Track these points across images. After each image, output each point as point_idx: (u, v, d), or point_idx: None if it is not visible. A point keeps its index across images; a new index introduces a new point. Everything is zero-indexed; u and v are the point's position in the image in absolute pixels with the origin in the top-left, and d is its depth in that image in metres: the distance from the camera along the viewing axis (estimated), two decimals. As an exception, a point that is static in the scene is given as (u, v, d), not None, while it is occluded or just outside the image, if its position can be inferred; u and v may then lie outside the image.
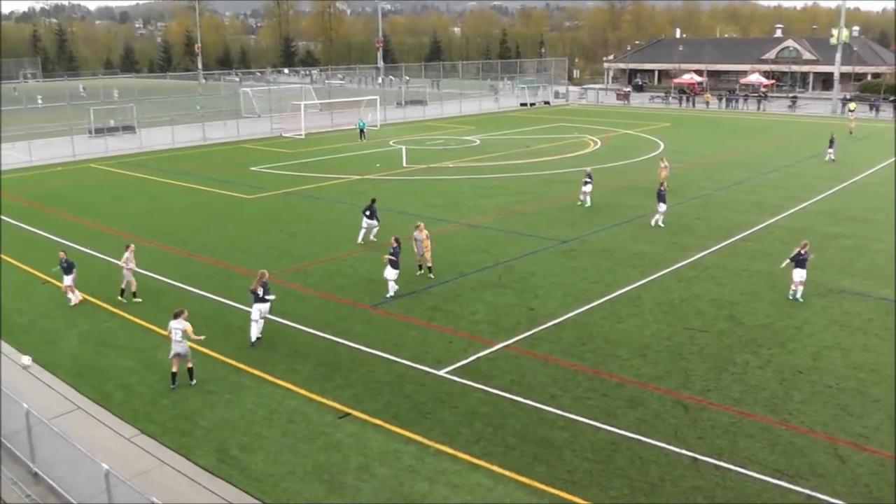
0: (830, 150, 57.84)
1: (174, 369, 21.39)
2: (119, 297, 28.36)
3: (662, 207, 37.54)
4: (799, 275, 27.65)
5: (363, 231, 35.60)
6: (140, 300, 28.16)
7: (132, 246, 28.71)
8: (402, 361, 22.67)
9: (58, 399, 20.71)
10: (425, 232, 29.94)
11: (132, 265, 28.33)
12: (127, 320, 26.31)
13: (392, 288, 27.99)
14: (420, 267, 30.63)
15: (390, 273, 27.81)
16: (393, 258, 27.61)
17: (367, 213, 35.39)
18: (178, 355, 21.28)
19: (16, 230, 38.80)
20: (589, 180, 42.77)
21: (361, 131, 74.95)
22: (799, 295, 27.72)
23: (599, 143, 68.29)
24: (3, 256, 34.00)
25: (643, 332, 24.76)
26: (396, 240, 28.02)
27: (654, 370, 22.03)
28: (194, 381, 21.57)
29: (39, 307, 27.90)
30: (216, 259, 33.43)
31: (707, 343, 23.92)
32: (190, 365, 21.64)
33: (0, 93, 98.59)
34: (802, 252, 27.61)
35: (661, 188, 38.47)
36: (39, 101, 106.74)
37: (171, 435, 18.75)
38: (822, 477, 16.67)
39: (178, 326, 21.06)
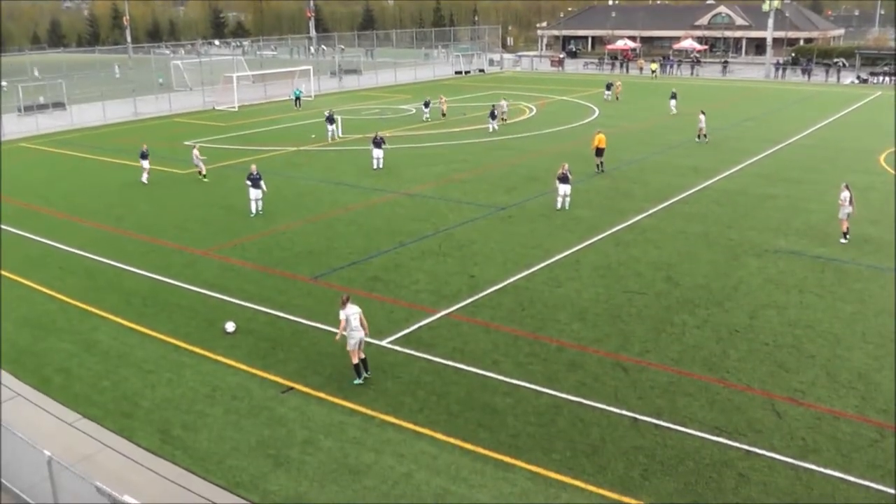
0: (673, 103, 63.86)
1: (356, 360, 19.74)
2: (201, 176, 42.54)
3: (565, 189, 35.17)
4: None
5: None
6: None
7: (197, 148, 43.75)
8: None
9: (-6, 385, 20.34)
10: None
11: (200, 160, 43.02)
12: (64, 302, 25.85)
13: None
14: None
15: None
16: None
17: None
18: (360, 343, 19.64)
19: (-57, 212, 37.87)
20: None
21: (297, 99, 74.63)
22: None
23: (535, 110, 68.47)
24: (-70, 240, 33.19)
25: (582, 296, 24.99)
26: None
27: (594, 333, 22.27)
28: (369, 373, 20.09)
29: (-29, 290, 27.34)
30: (152, 236, 32.97)
31: (645, 305, 24.23)
32: (363, 356, 20.05)
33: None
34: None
35: (565, 171, 35.31)
36: None
37: (113, 417, 18.52)
38: (760, 433, 17.03)
39: (352, 313, 19.47)
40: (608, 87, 76.40)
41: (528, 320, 23.27)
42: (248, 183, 35.67)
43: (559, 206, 35.20)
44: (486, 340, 21.98)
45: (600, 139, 42.68)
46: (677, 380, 19.42)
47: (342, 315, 19.38)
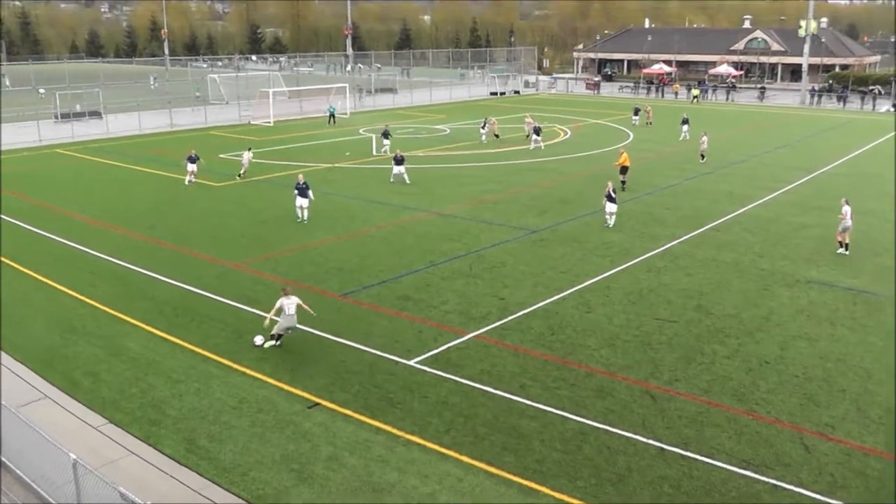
0: (685, 128, 63.75)
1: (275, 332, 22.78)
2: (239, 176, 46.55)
3: (611, 208, 36.21)
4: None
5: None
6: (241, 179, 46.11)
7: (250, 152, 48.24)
8: (372, 351, 22.69)
9: (25, 387, 20.52)
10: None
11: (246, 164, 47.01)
12: (94, 307, 26.11)
13: None
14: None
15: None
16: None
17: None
18: (289, 329, 22.86)
19: (-20, 217, 38.36)
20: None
21: (332, 116, 75.20)
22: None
23: (569, 133, 68.49)
24: (-34, 243, 33.64)
25: (612, 322, 24.92)
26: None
27: (623, 360, 22.19)
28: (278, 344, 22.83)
29: (6, 294, 27.58)
30: (184, 247, 33.24)
31: (675, 333, 24.12)
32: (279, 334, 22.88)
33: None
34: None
35: (609, 191, 36.50)
36: (7, 84, 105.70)
37: (140, 424, 18.66)
38: (788, 466, 16.88)
39: (290, 302, 22.38)
40: (636, 111, 75.71)
41: (558, 345, 23.22)
42: (296, 191, 36.92)
43: (608, 224, 36.01)
44: (515, 364, 21.95)
45: (625, 158, 44.28)
46: (706, 410, 19.30)
47: (279, 303, 22.34)
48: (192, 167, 45.69)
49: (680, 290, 27.85)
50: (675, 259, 31.58)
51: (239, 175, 47.35)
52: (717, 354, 22.58)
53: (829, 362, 22.10)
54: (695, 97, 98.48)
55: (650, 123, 73.10)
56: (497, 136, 63.59)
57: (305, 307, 22.83)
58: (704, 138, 53.47)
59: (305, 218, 36.98)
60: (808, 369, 21.62)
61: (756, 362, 22.07)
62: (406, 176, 45.45)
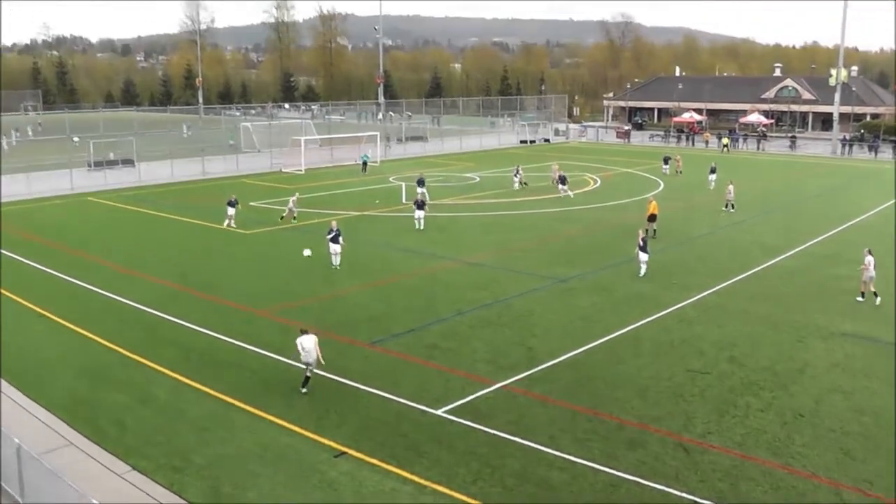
0: (712, 177, 63.51)
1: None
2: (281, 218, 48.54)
3: (643, 257, 36.18)
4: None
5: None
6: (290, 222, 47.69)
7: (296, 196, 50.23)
8: (399, 400, 22.51)
9: (49, 434, 20.50)
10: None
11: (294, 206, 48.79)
12: (122, 354, 26.14)
13: None
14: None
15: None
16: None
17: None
18: (309, 365, 23.17)
19: (11, 262, 38.67)
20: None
21: (364, 164, 75.68)
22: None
23: (599, 182, 68.41)
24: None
25: (643, 373, 24.61)
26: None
27: (655, 412, 21.86)
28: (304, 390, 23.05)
29: (35, 341, 27.74)
30: (213, 294, 33.32)
31: (708, 385, 23.77)
32: (309, 374, 23.24)
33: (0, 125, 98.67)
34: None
35: (639, 241, 36.61)
36: (29, 133, 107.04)
37: (164, 471, 18.54)
38: (825, 523, 16.48)
39: (306, 339, 22.95)
40: (666, 160, 75.45)
41: (587, 396, 22.93)
42: (328, 238, 37.29)
43: (641, 273, 35.86)
44: (544, 414, 21.68)
45: (653, 206, 44.46)
46: (740, 463, 18.92)
47: (297, 342, 23.01)
48: (231, 211, 47.16)
49: (712, 342, 27.50)
50: (707, 310, 31.23)
51: (282, 217, 49.02)
52: (751, 407, 22.20)
53: (866, 416, 21.65)
54: (725, 146, 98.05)
55: (680, 172, 72.80)
56: (525, 184, 63.61)
57: (318, 350, 22.94)
58: (731, 187, 53.41)
59: (338, 264, 37.18)
60: (845, 423, 21.19)
61: (791, 415, 21.67)
62: (422, 222, 46.03)
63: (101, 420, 21.35)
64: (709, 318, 30.13)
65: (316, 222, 47.79)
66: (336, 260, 37.27)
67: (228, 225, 46.83)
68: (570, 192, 58.05)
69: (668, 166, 74.15)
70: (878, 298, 32.01)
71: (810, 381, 24.15)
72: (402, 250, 41.23)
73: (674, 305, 31.58)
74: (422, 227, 45.65)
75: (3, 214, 50.91)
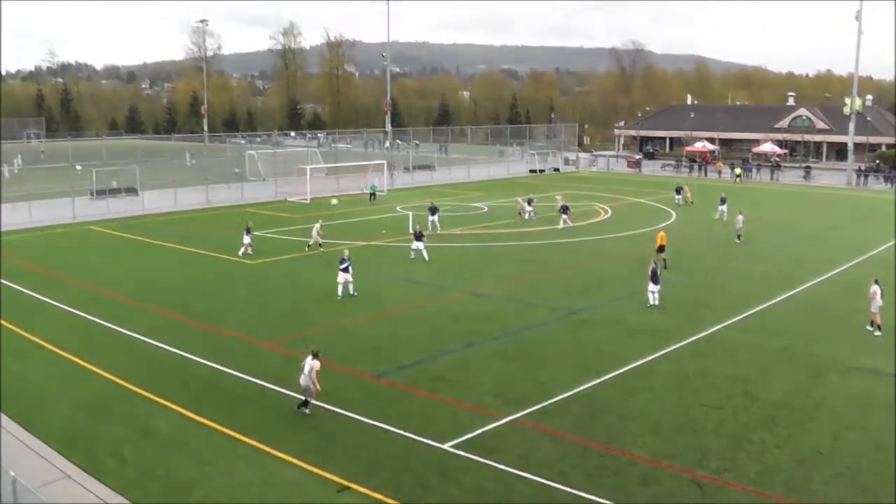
0: (722, 208, 62.84)
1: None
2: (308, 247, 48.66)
3: (653, 287, 36.20)
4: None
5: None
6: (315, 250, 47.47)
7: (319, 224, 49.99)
8: (405, 434, 22.37)
9: (46, 467, 20.39)
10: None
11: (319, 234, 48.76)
12: (122, 386, 26.06)
13: None
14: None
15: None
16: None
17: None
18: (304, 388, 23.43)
19: (11, 292, 38.66)
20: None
21: (373, 194, 76.02)
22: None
23: (610, 212, 68.38)
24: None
25: (656, 408, 24.44)
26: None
27: (668, 447, 21.68)
28: (305, 410, 23.58)
29: (33, 372, 27.68)
30: (217, 325, 33.27)
31: (722, 420, 23.59)
32: (306, 398, 23.58)
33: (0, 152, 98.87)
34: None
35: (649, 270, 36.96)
36: (18, 163, 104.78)
37: (164, 507, 18.42)
38: (845, 564, 16.27)
39: (307, 363, 23.34)
40: (678, 190, 75.16)
41: (599, 430, 22.77)
42: (340, 268, 37.24)
43: (649, 302, 35.93)
44: (554, 449, 21.52)
45: (661, 237, 44.78)
46: (756, 501, 18.74)
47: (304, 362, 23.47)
48: (247, 239, 47.52)
49: (726, 376, 27.33)
50: (721, 343, 31.07)
51: (308, 245, 49.30)
52: (767, 443, 22.00)
53: (883, 453, 21.42)
54: (738, 176, 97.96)
55: (691, 203, 72.75)
56: (520, 214, 63.56)
57: (313, 378, 23.23)
58: (740, 217, 53.63)
59: (352, 292, 37.28)
60: (863, 460, 20.99)
61: (808, 452, 21.48)
62: (425, 252, 45.86)
63: (100, 452, 21.25)
64: (723, 352, 29.96)
65: (319, 252, 47.77)
66: (341, 290, 37.14)
67: (245, 253, 47.18)
68: (568, 223, 57.87)
69: (680, 196, 74.02)
70: (880, 332, 32.20)
71: (827, 417, 23.96)
72: (409, 281, 41.18)
73: (687, 338, 31.42)
74: (422, 257, 45.62)
75: (3, 244, 51.01)
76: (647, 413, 24.03)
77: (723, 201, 63.75)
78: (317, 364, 23.32)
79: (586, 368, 27.83)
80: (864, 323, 33.11)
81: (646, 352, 29.65)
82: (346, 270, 37.09)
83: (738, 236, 52.90)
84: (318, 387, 23.36)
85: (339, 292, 37.17)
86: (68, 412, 24.13)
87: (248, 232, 47.97)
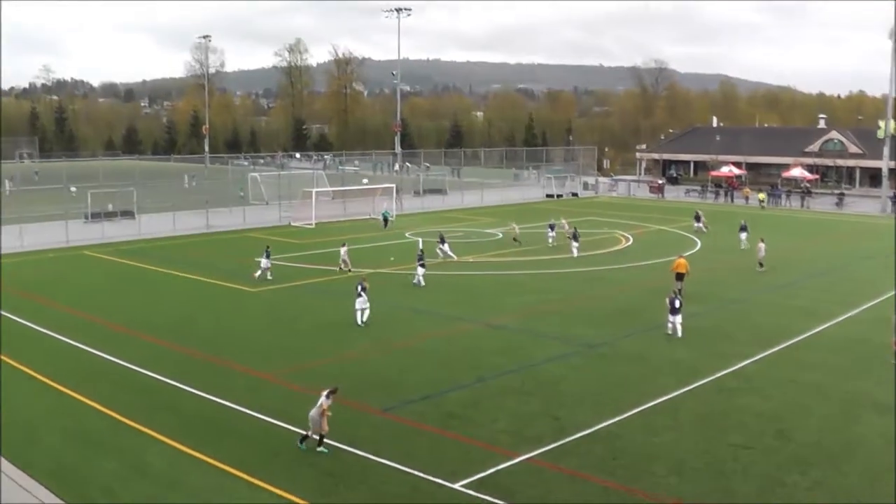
0: (744, 236, 62.84)
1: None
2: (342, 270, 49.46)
3: (674, 318, 36.39)
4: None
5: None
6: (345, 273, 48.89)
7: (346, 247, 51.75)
8: (413, 472, 22.19)
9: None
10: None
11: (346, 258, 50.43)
12: (114, 419, 25.96)
13: None
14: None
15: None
16: None
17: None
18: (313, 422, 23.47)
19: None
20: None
21: (386, 220, 75.95)
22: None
23: (631, 240, 68.24)
24: (-15, 347, 33.84)
25: (681, 447, 24.22)
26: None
27: (694, 489, 21.46)
28: (319, 448, 23.42)
29: (21, 403, 27.60)
30: (215, 356, 33.20)
31: (752, 461, 23.35)
32: (314, 435, 23.56)
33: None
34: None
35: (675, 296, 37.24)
36: (7, 184, 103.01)
37: (157, 549, 18.27)
38: None
39: (320, 401, 23.55)
40: (697, 217, 74.88)
41: (620, 471, 22.56)
42: (356, 294, 37.73)
43: (669, 331, 36.14)
44: (572, 490, 21.33)
45: (679, 264, 44.78)
46: (787, 549, 18.49)
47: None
48: (265, 262, 48.10)
49: (755, 414, 27.09)
50: (749, 379, 30.84)
51: (340, 268, 50.67)
52: (799, 486, 21.76)
53: (926, 498, 21.18)
54: (761, 201, 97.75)
55: (707, 229, 72.45)
56: (516, 240, 63.73)
57: (318, 414, 23.38)
58: (761, 245, 53.79)
59: (365, 320, 37.53)
60: (902, 505, 20.73)
61: (843, 496, 21.21)
62: (422, 279, 46.78)
63: (91, 489, 21.15)
64: (751, 388, 29.73)
65: (324, 280, 47.76)
66: (363, 316, 37.58)
67: (262, 277, 47.60)
68: (574, 252, 57.58)
69: (700, 224, 73.69)
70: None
71: (863, 458, 23.70)
72: (419, 311, 41.08)
73: (713, 374, 31.18)
74: (421, 284, 46.39)
75: (-7, 268, 51.12)
76: (671, 453, 23.80)
77: (743, 229, 63.61)
78: (327, 403, 23.41)
79: (606, 405, 27.62)
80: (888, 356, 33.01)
81: (669, 387, 29.44)
82: (360, 296, 37.50)
83: (760, 264, 52.97)
84: (325, 427, 23.32)
85: (358, 319, 37.55)
86: (56, 445, 24.05)
87: (268, 255, 48.55)
